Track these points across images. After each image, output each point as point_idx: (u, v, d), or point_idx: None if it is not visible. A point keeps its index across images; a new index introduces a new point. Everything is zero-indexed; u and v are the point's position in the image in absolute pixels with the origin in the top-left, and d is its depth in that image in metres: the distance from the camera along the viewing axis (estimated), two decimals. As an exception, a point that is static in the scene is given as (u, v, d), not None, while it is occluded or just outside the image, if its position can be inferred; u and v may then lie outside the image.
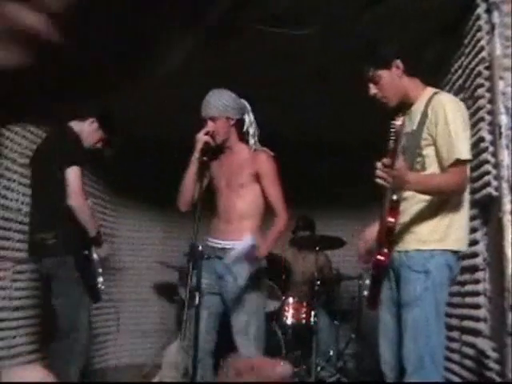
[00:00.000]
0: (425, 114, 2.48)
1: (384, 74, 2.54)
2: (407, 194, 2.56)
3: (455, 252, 2.48)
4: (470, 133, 2.50)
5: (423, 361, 2.39)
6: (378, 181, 2.36)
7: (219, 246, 2.96)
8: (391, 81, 2.55)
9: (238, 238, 2.92)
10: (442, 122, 2.40)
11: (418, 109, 2.54)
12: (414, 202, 2.53)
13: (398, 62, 2.52)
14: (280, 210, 2.94)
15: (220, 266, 2.92)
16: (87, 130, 3.35)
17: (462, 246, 2.51)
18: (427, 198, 2.50)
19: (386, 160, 2.33)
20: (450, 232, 2.47)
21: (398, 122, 2.40)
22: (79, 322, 3.09)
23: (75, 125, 3.31)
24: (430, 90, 2.58)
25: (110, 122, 3.45)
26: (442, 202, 2.48)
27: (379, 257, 2.58)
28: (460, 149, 2.37)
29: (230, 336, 2.97)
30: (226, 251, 2.92)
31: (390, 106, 2.59)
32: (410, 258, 2.50)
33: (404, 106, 2.62)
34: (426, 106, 2.48)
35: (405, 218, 2.55)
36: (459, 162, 2.38)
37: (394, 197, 2.55)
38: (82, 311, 3.12)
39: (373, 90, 2.58)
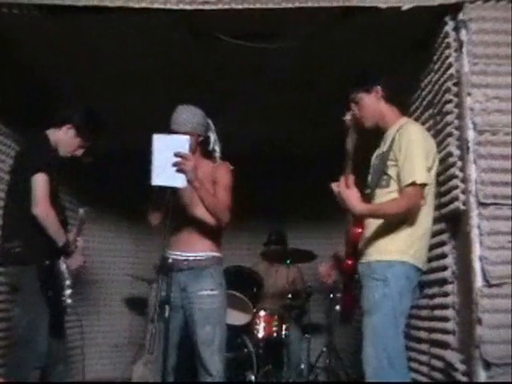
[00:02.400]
0: (393, 138, 2.69)
1: (364, 96, 2.81)
2: None
3: (414, 266, 2.64)
4: (432, 163, 2.68)
5: (382, 364, 2.51)
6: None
7: (181, 257, 2.96)
8: (369, 104, 2.81)
9: (200, 249, 3.01)
10: (405, 147, 2.60)
11: (390, 134, 2.77)
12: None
13: (379, 88, 2.79)
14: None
15: (182, 278, 2.94)
16: (63, 137, 3.25)
17: (419, 262, 2.66)
18: None
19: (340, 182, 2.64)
20: (409, 246, 2.63)
21: (349, 116, 2.75)
22: (37, 333, 2.98)
23: (51, 133, 3.23)
24: (403, 120, 2.82)
25: (89, 129, 3.29)
26: (403, 219, 2.63)
27: (347, 261, 2.83)
28: (417, 173, 2.55)
29: (188, 351, 2.99)
30: (190, 263, 2.97)
31: (366, 126, 2.84)
32: (371, 268, 2.66)
33: (380, 130, 2.85)
34: (397, 132, 2.70)
35: (368, 231, 2.74)
36: (415, 185, 2.55)
37: None
38: (42, 322, 3.00)
39: (354, 110, 2.84)
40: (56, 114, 3.32)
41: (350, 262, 2.81)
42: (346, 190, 2.58)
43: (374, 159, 2.90)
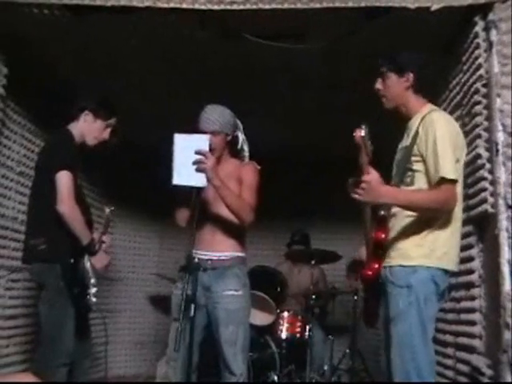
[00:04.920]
0: (417, 131, 2.53)
1: (393, 77, 2.63)
2: (395, 209, 2.59)
3: (441, 269, 2.47)
4: (460, 153, 2.51)
5: (409, 376, 2.38)
6: (354, 196, 2.41)
7: (205, 257, 2.95)
8: (396, 86, 2.63)
9: (223, 249, 2.98)
10: (431, 140, 2.44)
11: (413, 124, 2.60)
12: (400, 218, 2.54)
13: (411, 75, 2.60)
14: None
15: (206, 278, 2.93)
16: (84, 125, 3.23)
17: (448, 264, 2.48)
18: (414, 213, 2.50)
19: (352, 179, 2.44)
20: (435, 249, 2.46)
21: (359, 132, 2.45)
22: (63, 331, 2.98)
23: (73, 127, 3.22)
24: (427, 107, 2.63)
25: (104, 108, 3.27)
26: (429, 219, 2.47)
27: (367, 271, 2.64)
28: (446, 168, 2.39)
29: (212, 350, 2.97)
30: (213, 263, 2.95)
31: (386, 107, 2.68)
32: (394, 274, 2.51)
33: (403, 119, 2.67)
34: (420, 122, 2.53)
35: (392, 234, 2.57)
36: (445, 181, 2.39)
37: (382, 212, 2.62)
38: (67, 320, 3.00)
39: (378, 84, 2.68)
40: (71, 108, 3.29)
41: (370, 273, 2.63)
42: (368, 177, 2.37)
43: (398, 152, 2.74)
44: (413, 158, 2.53)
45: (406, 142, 2.64)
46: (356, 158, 2.50)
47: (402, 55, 2.64)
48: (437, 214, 2.46)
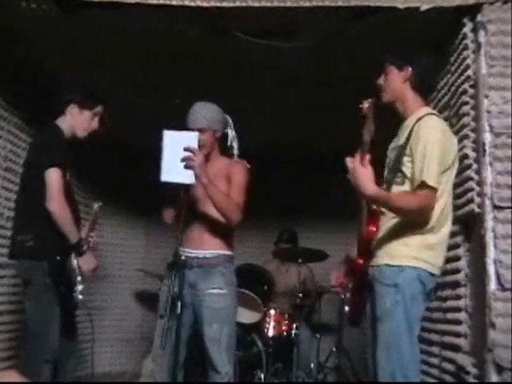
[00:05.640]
0: (411, 133, 2.52)
1: (394, 70, 2.64)
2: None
3: (428, 271, 2.48)
4: (452, 161, 2.51)
5: (394, 375, 2.39)
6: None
7: (192, 255, 2.94)
8: (396, 79, 2.64)
9: (210, 247, 2.97)
10: (422, 144, 2.43)
11: (408, 125, 2.59)
12: (388, 218, 2.54)
13: (410, 69, 2.60)
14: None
15: (193, 276, 2.92)
16: (71, 119, 3.19)
17: (433, 268, 2.49)
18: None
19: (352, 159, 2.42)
20: (422, 251, 2.46)
21: (367, 103, 2.49)
22: (49, 328, 2.96)
23: (61, 121, 3.17)
24: (424, 110, 2.62)
25: (89, 97, 3.22)
26: (418, 222, 2.47)
27: (359, 260, 2.64)
28: (429, 174, 2.38)
29: (199, 348, 2.96)
30: (199, 261, 2.95)
31: (384, 99, 2.67)
32: (381, 273, 2.52)
33: (398, 116, 2.67)
34: (415, 124, 2.52)
35: (380, 232, 2.58)
36: (426, 187, 2.38)
37: (374, 206, 2.60)
38: (53, 317, 2.98)
39: (380, 80, 2.69)
40: (56, 103, 3.24)
41: (361, 261, 2.64)
42: (361, 168, 2.38)
43: (390, 152, 2.74)
44: (405, 159, 2.53)
45: (399, 141, 2.64)
46: (345, 152, 2.50)
47: (404, 50, 2.68)
48: (409, 217, 2.47)
